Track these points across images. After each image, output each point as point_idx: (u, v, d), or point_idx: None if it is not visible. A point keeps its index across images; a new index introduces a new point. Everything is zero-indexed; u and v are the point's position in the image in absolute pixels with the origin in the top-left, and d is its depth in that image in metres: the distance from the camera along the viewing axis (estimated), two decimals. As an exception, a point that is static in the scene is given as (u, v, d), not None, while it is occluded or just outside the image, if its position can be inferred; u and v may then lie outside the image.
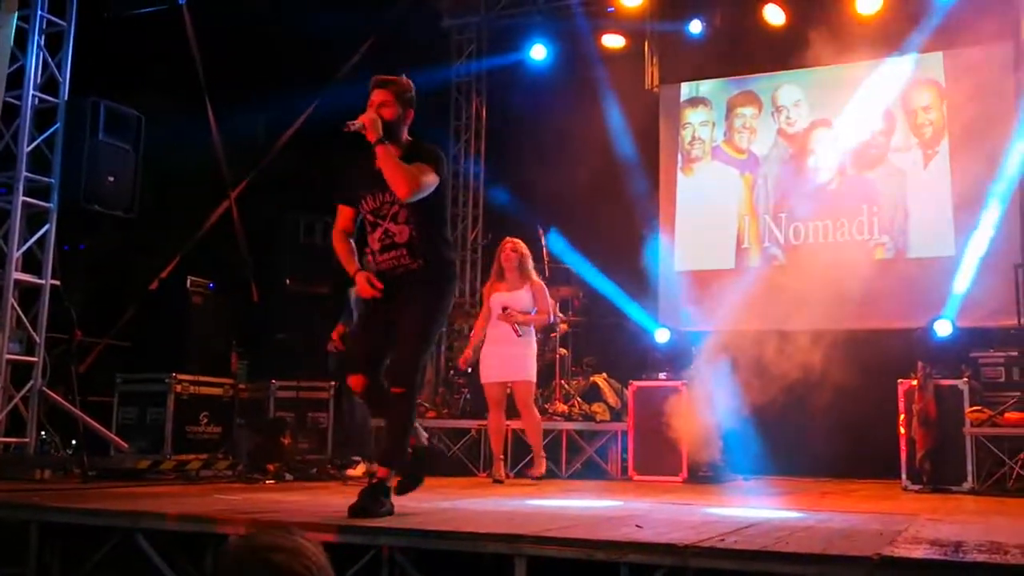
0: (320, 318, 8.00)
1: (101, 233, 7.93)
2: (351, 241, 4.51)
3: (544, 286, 7.23)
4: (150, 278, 8.75)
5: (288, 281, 7.84)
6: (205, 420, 7.54)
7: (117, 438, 7.02)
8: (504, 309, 6.93)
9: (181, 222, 9.06)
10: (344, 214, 4.48)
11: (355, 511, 3.93)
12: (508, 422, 7.23)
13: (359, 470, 7.27)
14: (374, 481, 4.18)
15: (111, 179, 6.96)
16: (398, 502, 4.18)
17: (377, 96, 4.33)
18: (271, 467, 6.99)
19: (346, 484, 6.61)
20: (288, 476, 6.92)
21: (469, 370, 8.32)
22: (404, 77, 4.43)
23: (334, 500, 5.00)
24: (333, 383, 8.00)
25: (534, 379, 7.07)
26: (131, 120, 7.18)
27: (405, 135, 4.39)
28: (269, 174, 9.56)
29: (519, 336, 6.94)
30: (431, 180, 4.23)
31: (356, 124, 4.18)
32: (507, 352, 6.95)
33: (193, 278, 8.03)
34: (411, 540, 3.41)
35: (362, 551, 3.44)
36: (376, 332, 4.36)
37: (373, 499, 4.02)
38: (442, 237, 4.45)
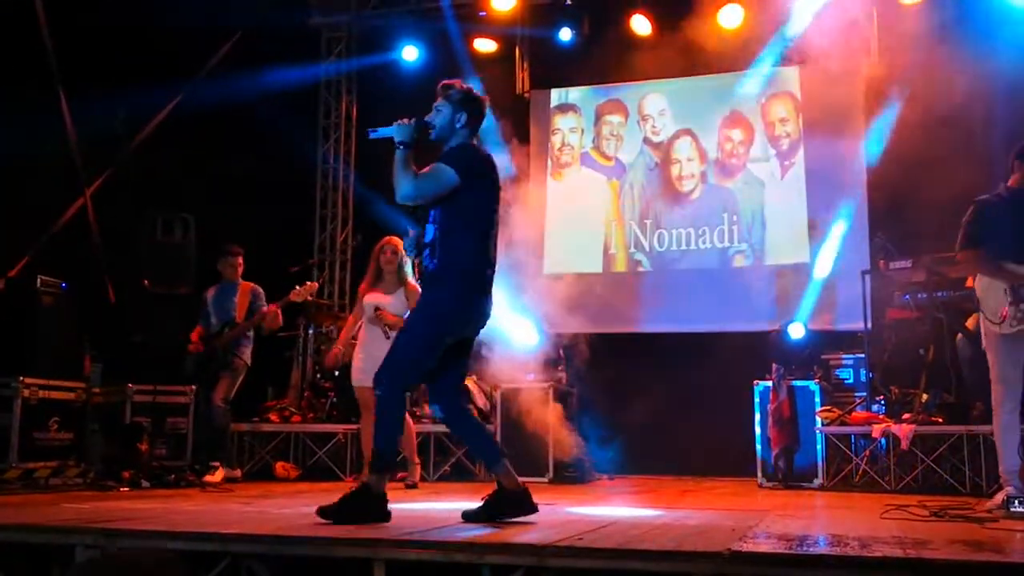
0: (179, 319, 7.74)
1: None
2: None
3: (420, 290, 7.12)
4: (-4, 277, 8.30)
5: (145, 281, 7.55)
6: (55, 426, 7.20)
7: (-43, 446, 6.64)
8: (376, 310, 6.84)
9: (31, 218, 8.61)
10: None
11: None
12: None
13: (218, 476, 7.07)
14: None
15: (-48, 172, 6.57)
16: (261, 508, 4.07)
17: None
18: (126, 474, 6.73)
19: (205, 491, 6.42)
20: (145, 483, 6.67)
21: (336, 373, 8.20)
22: (460, 82, 4.46)
23: (188, 507, 4.85)
24: (193, 387, 7.77)
25: None
26: (-26, 110, 6.79)
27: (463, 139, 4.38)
28: (128, 170, 9.19)
29: (389, 339, 6.86)
30: (428, 184, 4.24)
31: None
32: (378, 355, 6.81)
33: (43, 277, 7.65)
34: (265, 547, 3.33)
35: (216, 558, 3.33)
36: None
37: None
38: (465, 243, 4.41)
